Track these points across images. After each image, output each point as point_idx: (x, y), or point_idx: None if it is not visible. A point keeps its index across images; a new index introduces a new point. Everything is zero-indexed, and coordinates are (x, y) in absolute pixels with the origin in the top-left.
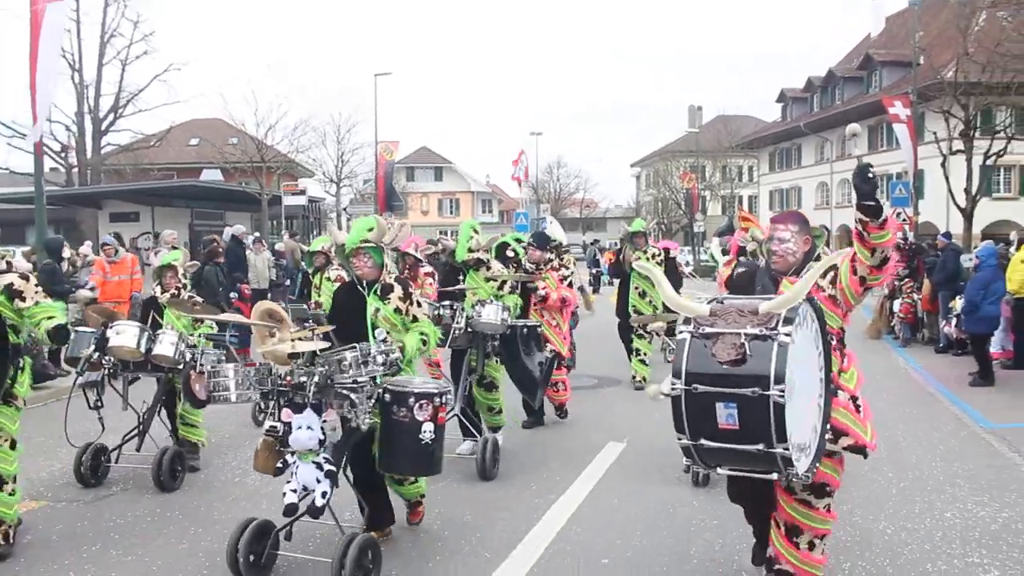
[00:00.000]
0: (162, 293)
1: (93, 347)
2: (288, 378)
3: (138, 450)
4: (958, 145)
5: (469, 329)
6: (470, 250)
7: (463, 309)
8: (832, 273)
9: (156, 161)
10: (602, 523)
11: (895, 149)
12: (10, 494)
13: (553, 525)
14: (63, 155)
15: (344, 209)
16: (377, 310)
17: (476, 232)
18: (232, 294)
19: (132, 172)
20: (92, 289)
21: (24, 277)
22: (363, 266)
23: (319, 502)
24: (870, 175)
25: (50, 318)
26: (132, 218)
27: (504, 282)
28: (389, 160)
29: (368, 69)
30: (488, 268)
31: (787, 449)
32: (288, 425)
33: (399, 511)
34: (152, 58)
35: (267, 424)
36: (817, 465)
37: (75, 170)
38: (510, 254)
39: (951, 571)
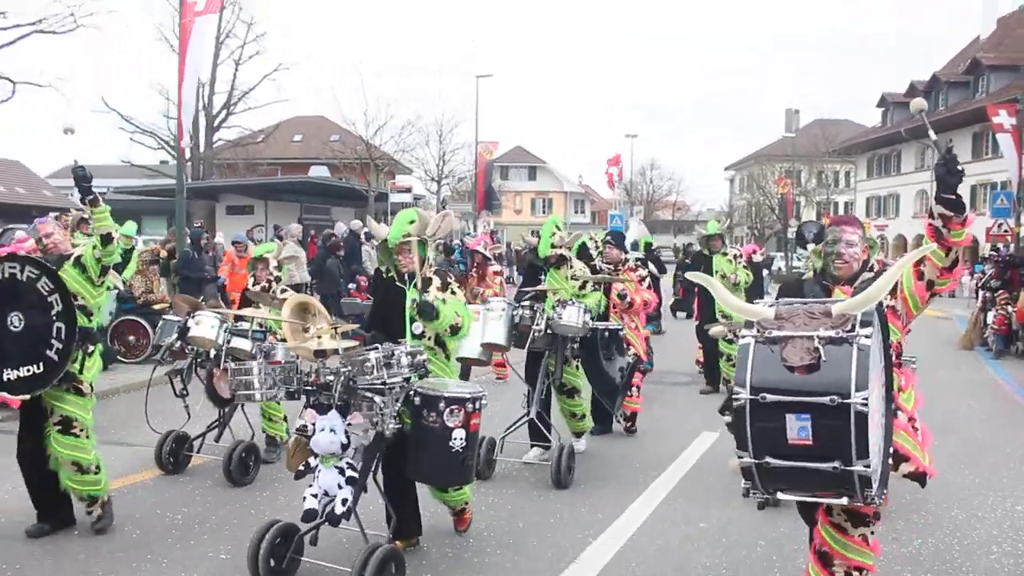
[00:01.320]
0: (254, 285)
1: (176, 335)
2: (314, 377)
3: (217, 441)
4: None
5: (549, 331)
6: (553, 246)
7: (543, 310)
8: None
9: (261, 156)
10: (663, 545)
11: (1000, 158)
12: (95, 473)
13: (608, 545)
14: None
15: (443, 205)
16: (415, 302)
17: (559, 228)
18: (351, 285)
19: (243, 167)
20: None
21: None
22: (407, 262)
23: (338, 509)
24: (959, 166)
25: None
26: (247, 211)
27: (586, 282)
28: (489, 160)
29: (468, 70)
30: (571, 266)
31: (867, 467)
32: (312, 427)
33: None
34: (263, 58)
35: (299, 422)
36: (885, 492)
37: (189, 164)
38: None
39: (1015, 552)
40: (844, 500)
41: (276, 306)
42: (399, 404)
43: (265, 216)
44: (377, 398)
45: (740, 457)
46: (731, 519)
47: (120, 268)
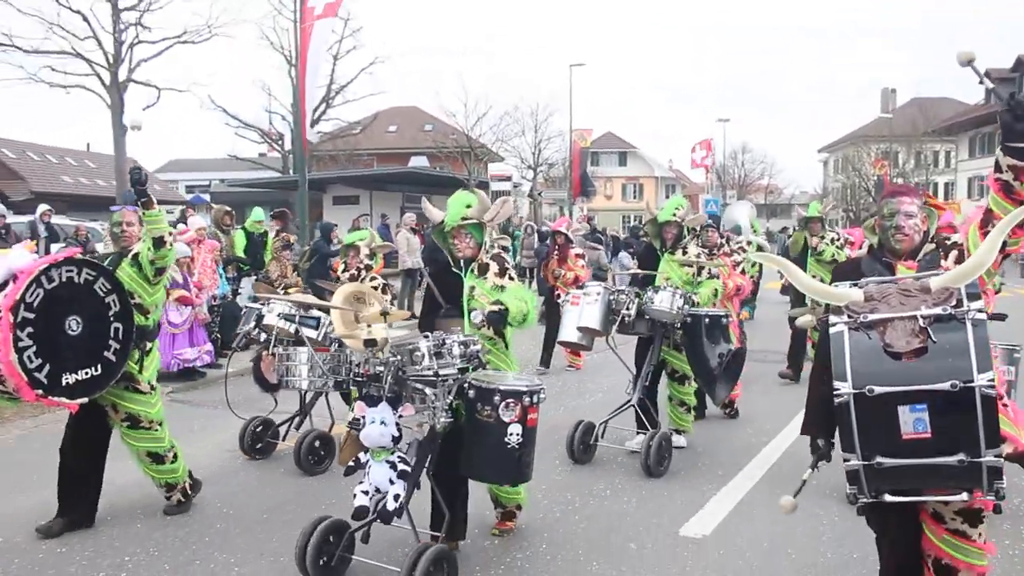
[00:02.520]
0: (344, 271)
1: (253, 323)
2: (365, 367)
3: (297, 429)
4: None
5: (646, 316)
6: (674, 215)
7: (637, 295)
8: (955, 252)
9: (359, 147)
10: (745, 542)
11: None
12: (172, 461)
13: (689, 541)
14: (279, 142)
15: (540, 194)
16: (473, 288)
17: (682, 207)
18: None
19: (344, 158)
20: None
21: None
22: (465, 247)
23: (391, 505)
24: None
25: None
26: (352, 201)
27: (701, 269)
28: (583, 147)
29: (561, 59)
30: (684, 251)
31: (999, 456)
32: (362, 419)
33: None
34: (359, 52)
35: (351, 415)
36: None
37: (291, 155)
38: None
39: None
40: (964, 495)
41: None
42: (452, 396)
43: (370, 205)
44: (428, 390)
45: (846, 460)
46: (817, 518)
47: (259, 253)
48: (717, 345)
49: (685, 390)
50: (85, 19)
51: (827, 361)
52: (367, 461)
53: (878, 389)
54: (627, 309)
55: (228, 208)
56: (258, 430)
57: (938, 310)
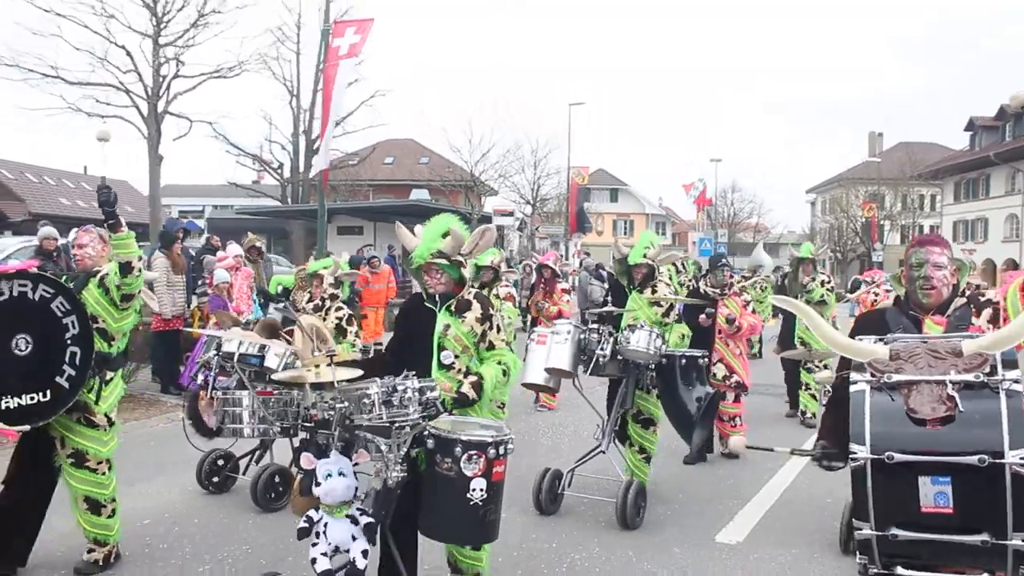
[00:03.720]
0: (308, 302)
1: (214, 351)
2: (313, 412)
3: (257, 463)
4: None
5: (619, 357)
6: (644, 256)
7: (610, 334)
8: (989, 311)
9: (357, 179)
10: None
11: None
12: (109, 516)
13: None
14: (279, 171)
15: (536, 228)
16: (447, 327)
17: (654, 245)
18: None
19: (344, 189)
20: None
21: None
22: (436, 283)
23: (360, 563)
24: None
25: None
26: (356, 231)
27: (671, 308)
28: (581, 185)
29: (561, 97)
30: (654, 289)
31: None
32: (309, 473)
33: None
34: (360, 85)
35: (300, 462)
36: None
37: (289, 185)
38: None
39: None
40: None
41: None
42: (406, 447)
43: (374, 236)
44: (380, 441)
45: (858, 529)
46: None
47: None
48: (693, 388)
49: (648, 436)
50: (128, 54)
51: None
52: (321, 518)
53: (898, 456)
54: (601, 349)
55: (258, 243)
56: (217, 463)
57: (970, 376)
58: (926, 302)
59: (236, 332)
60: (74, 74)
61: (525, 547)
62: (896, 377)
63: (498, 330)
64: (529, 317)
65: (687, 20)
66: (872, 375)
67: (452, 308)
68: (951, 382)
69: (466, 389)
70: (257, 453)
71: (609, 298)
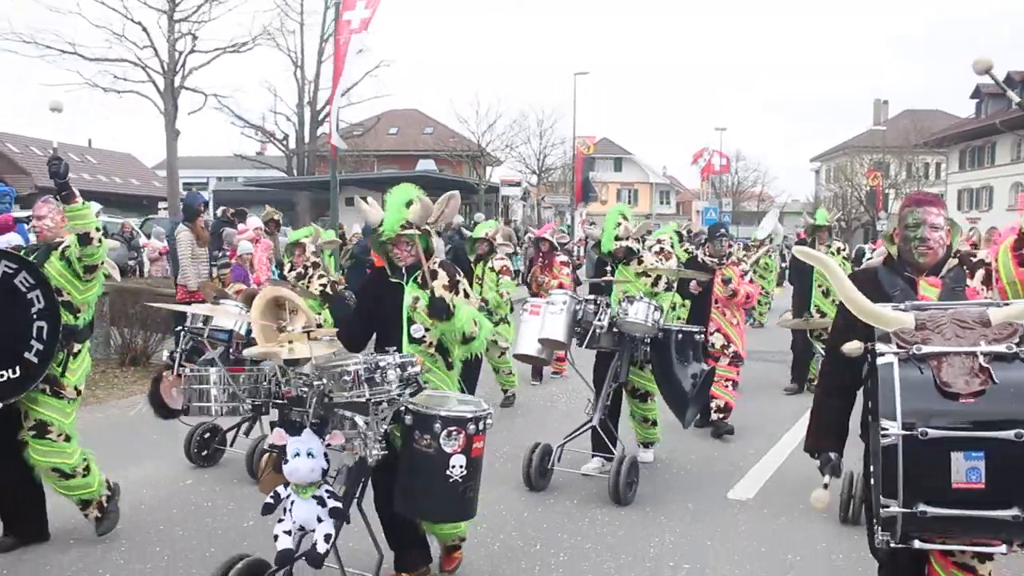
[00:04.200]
0: (290, 271)
1: (201, 322)
2: (286, 389)
3: (247, 435)
4: None
5: (614, 329)
6: (617, 238)
7: (608, 305)
8: (982, 272)
9: (363, 149)
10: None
11: None
12: (84, 475)
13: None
14: (284, 143)
15: (542, 199)
16: (416, 300)
17: (625, 219)
18: None
19: (352, 160)
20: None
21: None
22: (407, 255)
23: (321, 547)
24: None
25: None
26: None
27: (659, 278)
28: (586, 155)
29: (562, 67)
30: (640, 261)
31: None
32: (281, 450)
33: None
34: (364, 56)
35: (270, 438)
36: None
37: (295, 156)
38: (664, 247)
39: None
40: (1003, 548)
41: (305, 295)
42: (387, 424)
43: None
44: (359, 418)
45: (885, 508)
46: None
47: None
48: (689, 365)
49: (647, 407)
50: (145, 30)
51: (838, 377)
52: (288, 496)
53: (932, 432)
54: (599, 320)
55: (276, 216)
56: (204, 437)
57: (1001, 347)
58: (922, 262)
59: (204, 307)
60: (91, 50)
61: (513, 522)
62: (926, 348)
63: (466, 296)
64: (529, 292)
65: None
66: (899, 346)
67: (419, 280)
68: (982, 354)
69: (447, 297)
70: (246, 424)
71: (608, 268)
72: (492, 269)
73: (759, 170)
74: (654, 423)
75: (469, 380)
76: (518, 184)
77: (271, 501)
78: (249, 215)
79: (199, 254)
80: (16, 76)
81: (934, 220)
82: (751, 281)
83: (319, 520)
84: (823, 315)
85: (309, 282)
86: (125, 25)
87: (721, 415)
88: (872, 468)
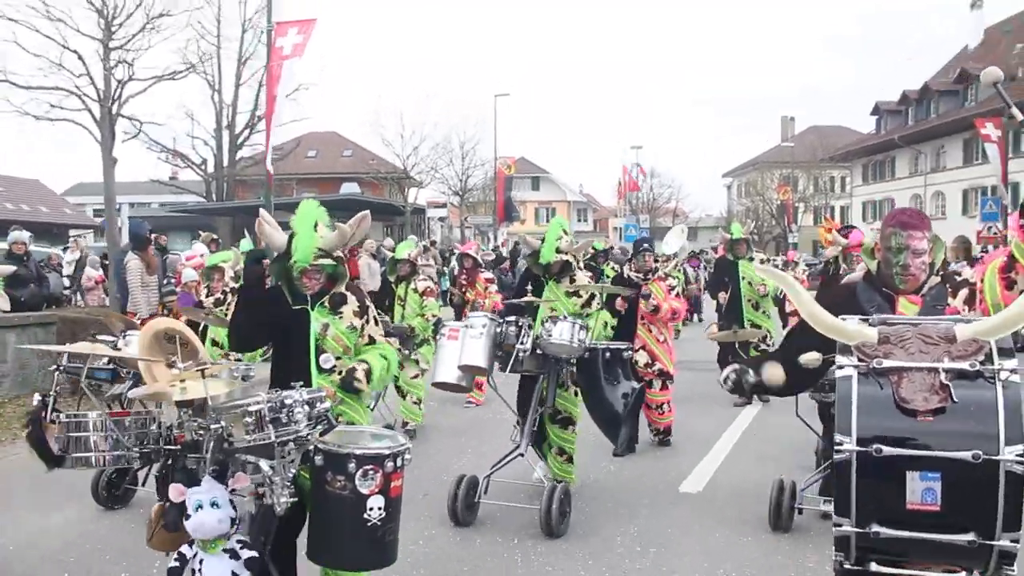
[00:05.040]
0: (207, 296)
1: (55, 366)
2: (179, 433)
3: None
4: None
5: (538, 351)
6: (558, 250)
7: (530, 326)
8: (966, 291)
9: (279, 172)
10: None
11: (989, 163)
12: None
13: None
14: (202, 167)
15: (464, 219)
16: (326, 327)
17: (566, 232)
18: None
19: (275, 183)
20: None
21: None
22: (315, 284)
23: None
24: None
25: None
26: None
27: (592, 297)
28: (508, 175)
29: (481, 89)
30: (572, 279)
31: (1016, 541)
32: (178, 507)
33: None
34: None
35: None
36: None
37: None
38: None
39: None
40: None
41: (213, 323)
42: (295, 467)
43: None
44: (264, 463)
45: (838, 525)
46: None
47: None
48: (619, 384)
49: (566, 436)
50: (81, 58)
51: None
52: (195, 555)
53: (887, 450)
54: (521, 343)
55: (215, 237)
56: (113, 476)
57: (964, 364)
58: (903, 288)
59: (83, 345)
60: (25, 78)
61: (440, 560)
62: (886, 363)
63: (375, 323)
64: (454, 312)
65: (616, 13)
66: (860, 360)
67: (326, 304)
68: (944, 370)
69: (360, 374)
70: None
71: (530, 287)
72: (415, 290)
73: (673, 186)
74: (569, 459)
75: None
76: (444, 206)
77: (176, 564)
78: (195, 242)
79: (148, 282)
80: None
81: (917, 245)
82: (677, 296)
83: (234, 575)
84: (757, 327)
85: (228, 308)
86: (62, 53)
87: (662, 436)
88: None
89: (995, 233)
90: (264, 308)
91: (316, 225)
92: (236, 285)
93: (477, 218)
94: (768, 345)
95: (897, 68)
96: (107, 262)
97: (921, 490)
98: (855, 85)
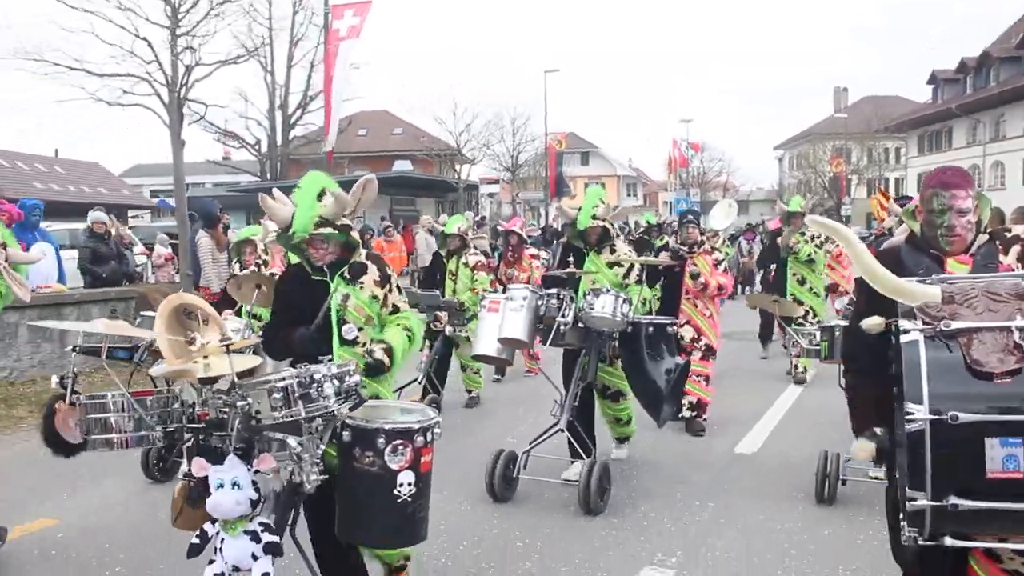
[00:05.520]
0: (241, 270)
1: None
2: (203, 410)
3: None
4: None
5: (580, 325)
6: (594, 217)
7: (572, 299)
8: (1018, 248)
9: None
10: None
11: None
12: None
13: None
14: (256, 147)
15: (516, 195)
16: (347, 297)
17: (603, 202)
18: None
19: (325, 162)
20: None
21: None
22: (324, 253)
23: None
24: None
25: None
26: None
27: (631, 268)
28: (559, 150)
29: (535, 64)
30: (612, 250)
31: None
32: (202, 482)
33: None
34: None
35: (184, 467)
36: None
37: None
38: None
39: None
40: None
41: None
42: (323, 443)
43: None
44: (292, 440)
45: (912, 501)
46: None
47: None
48: (662, 360)
49: (619, 407)
50: (150, 45)
51: (865, 358)
52: (217, 532)
53: (964, 416)
54: (563, 316)
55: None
56: (162, 450)
57: None
58: (949, 250)
59: (101, 323)
60: (98, 66)
61: (479, 538)
62: (955, 324)
63: (399, 291)
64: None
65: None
66: (925, 322)
67: (347, 275)
68: (1018, 328)
69: (380, 355)
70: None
71: (571, 259)
72: (466, 264)
73: (723, 160)
74: (628, 421)
75: (440, 376)
76: (496, 182)
77: (197, 541)
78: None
79: (219, 258)
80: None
81: (962, 205)
82: (725, 271)
83: (254, 558)
84: (800, 303)
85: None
86: (134, 41)
87: (694, 413)
88: (897, 459)
89: None
90: (289, 287)
91: (323, 195)
92: (265, 257)
93: (528, 194)
94: (810, 322)
95: (921, 58)
96: (175, 241)
97: (1002, 457)
98: (880, 75)
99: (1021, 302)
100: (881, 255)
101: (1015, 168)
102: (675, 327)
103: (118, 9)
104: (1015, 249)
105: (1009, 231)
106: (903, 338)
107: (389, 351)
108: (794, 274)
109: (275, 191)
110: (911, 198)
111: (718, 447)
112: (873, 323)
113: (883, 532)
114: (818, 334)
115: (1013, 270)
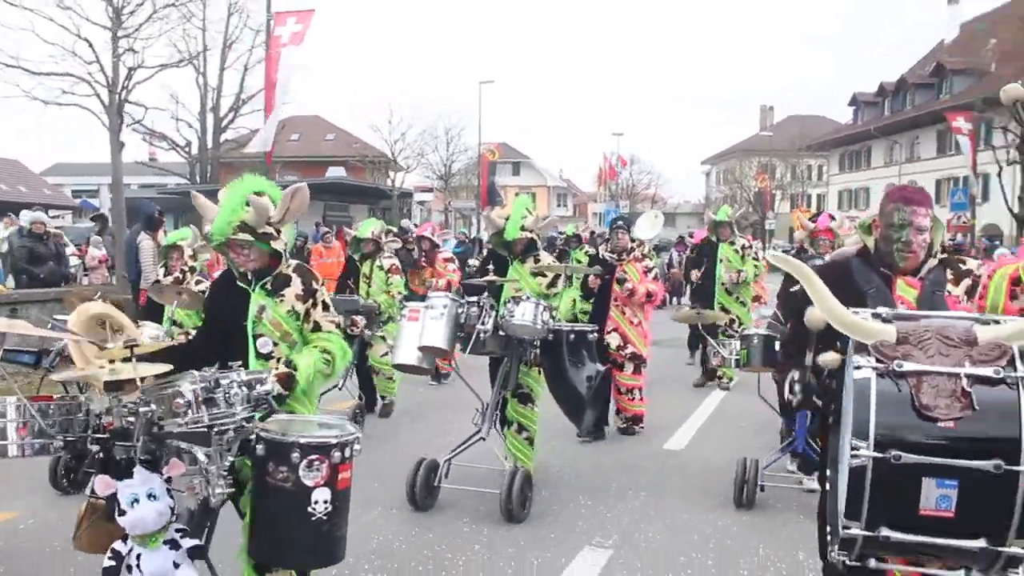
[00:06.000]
0: (166, 275)
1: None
2: (108, 420)
3: None
4: (1015, 156)
5: (500, 332)
6: (522, 228)
7: (493, 307)
8: (968, 282)
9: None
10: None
11: (962, 155)
12: None
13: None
14: (187, 149)
15: (448, 204)
16: (262, 309)
17: (530, 212)
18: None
19: (253, 167)
20: None
21: None
22: (246, 260)
23: None
24: None
25: None
26: None
27: (557, 277)
28: (492, 160)
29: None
30: (537, 259)
31: None
32: (110, 500)
33: None
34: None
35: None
36: None
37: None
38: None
39: None
40: (960, 573)
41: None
42: (233, 455)
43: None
44: (198, 451)
45: (845, 529)
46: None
47: None
48: (583, 367)
49: (527, 412)
50: (91, 46)
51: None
52: (131, 550)
53: (906, 457)
54: (482, 324)
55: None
56: (71, 461)
57: (988, 371)
58: (902, 266)
59: (2, 321)
60: (36, 64)
61: (398, 546)
62: (907, 365)
63: (324, 308)
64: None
65: (595, 5)
66: (879, 360)
67: (268, 286)
68: (966, 376)
69: (269, 385)
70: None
71: (491, 267)
72: (380, 268)
73: (652, 173)
74: (530, 440)
75: (365, 379)
76: (431, 190)
77: (112, 563)
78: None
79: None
80: None
81: (921, 222)
82: (655, 278)
83: (175, 565)
84: (726, 311)
85: (180, 292)
86: (75, 42)
87: (628, 428)
88: (829, 473)
89: (964, 222)
90: (217, 293)
91: (249, 201)
92: (193, 263)
93: (460, 202)
94: (735, 331)
95: (873, 65)
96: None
97: (936, 496)
98: (833, 81)
99: (971, 348)
100: (829, 266)
101: (927, 188)
102: (595, 334)
103: (59, 8)
104: (966, 282)
105: (964, 263)
106: (855, 373)
107: (288, 378)
108: (722, 284)
109: (198, 196)
110: (823, 214)
111: (648, 448)
112: (830, 359)
113: (799, 519)
114: (737, 344)
115: (960, 301)
